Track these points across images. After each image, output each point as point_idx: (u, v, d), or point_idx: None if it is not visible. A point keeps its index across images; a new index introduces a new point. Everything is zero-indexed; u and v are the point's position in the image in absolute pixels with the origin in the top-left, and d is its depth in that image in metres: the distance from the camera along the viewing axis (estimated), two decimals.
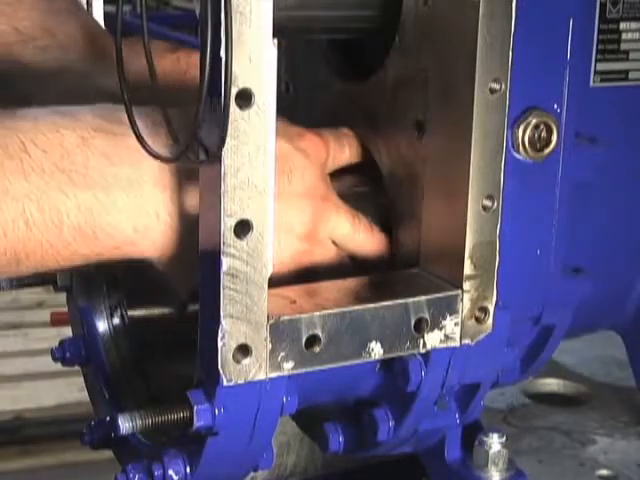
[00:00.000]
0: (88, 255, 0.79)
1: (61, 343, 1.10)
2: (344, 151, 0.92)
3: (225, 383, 0.77)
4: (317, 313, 0.80)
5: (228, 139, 0.72)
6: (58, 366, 1.10)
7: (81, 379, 1.08)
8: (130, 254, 0.80)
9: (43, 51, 0.91)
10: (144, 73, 0.84)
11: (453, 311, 0.85)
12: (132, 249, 0.80)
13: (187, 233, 0.80)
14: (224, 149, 0.72)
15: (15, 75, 0.91)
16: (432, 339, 0.85)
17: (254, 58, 0.72)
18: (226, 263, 0.74)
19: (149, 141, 0.75)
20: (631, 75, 1.00)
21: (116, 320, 1.10)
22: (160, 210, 0.79)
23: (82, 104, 0.87)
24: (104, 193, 0.76)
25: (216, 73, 0.71)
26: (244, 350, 0.77)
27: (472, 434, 1.00)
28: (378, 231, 0.91)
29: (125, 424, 0.78)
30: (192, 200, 0.79)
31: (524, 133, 0.88)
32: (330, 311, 0.81)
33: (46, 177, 0.75)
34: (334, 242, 0.89)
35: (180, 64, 0.96)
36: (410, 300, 0.84)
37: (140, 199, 0.78)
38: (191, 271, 0.79)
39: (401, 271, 0.91)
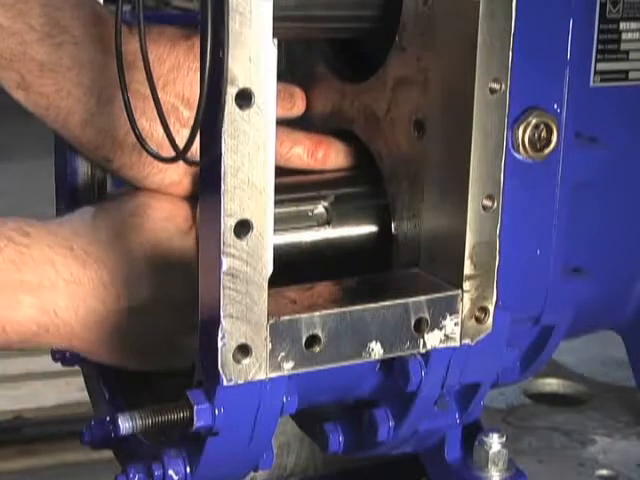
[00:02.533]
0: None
1: None
2: None
3: (225, 383, 0.77)
4: (317, 313, 0.80)
5: (228, 139, 0.72)
6: (58, 366, 1.10)
7: (81, 379, 1.07)
8: (38, 344, 0.89)
9: (59, 48, 0.90)
10: (158, 57, 0.91)
11: (453, 311, 0.85)
12: (39, 340, 0.88)
13: (114, 322, 0.88)
14: (224, 149, 0.72)
15: (32, 75, 0.90)
16: (432, 339, 0.85)
17: (254, 58, 0.72)
18: (226, 263, 0.74)
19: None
20: (631, 75, 1.00)
21: None
22: (75, 305, 0.87)
23: (100, 98, 0.90)
24: (10, 294, 0.85)
25: (216, 73, 0.71)
26: (244, 350, 0.77)
27: (472, 434, 1.00)
28: None
29: (125, 424, 0.78)
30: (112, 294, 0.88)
31: (524, 133, 0.88)
32: (330, 311, 0.81)
33: None
34: None
35: (195, 51, 0.94)
36: (410, 300, 0.84)
37: (45, 300, 0.86)
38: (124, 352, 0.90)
39: (401, 271, 0.91)
